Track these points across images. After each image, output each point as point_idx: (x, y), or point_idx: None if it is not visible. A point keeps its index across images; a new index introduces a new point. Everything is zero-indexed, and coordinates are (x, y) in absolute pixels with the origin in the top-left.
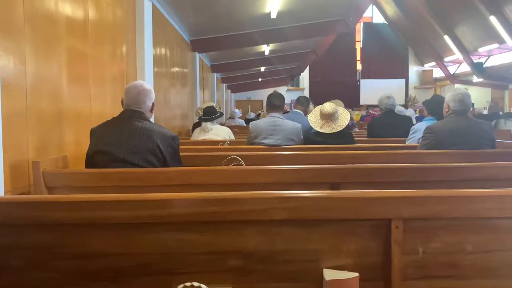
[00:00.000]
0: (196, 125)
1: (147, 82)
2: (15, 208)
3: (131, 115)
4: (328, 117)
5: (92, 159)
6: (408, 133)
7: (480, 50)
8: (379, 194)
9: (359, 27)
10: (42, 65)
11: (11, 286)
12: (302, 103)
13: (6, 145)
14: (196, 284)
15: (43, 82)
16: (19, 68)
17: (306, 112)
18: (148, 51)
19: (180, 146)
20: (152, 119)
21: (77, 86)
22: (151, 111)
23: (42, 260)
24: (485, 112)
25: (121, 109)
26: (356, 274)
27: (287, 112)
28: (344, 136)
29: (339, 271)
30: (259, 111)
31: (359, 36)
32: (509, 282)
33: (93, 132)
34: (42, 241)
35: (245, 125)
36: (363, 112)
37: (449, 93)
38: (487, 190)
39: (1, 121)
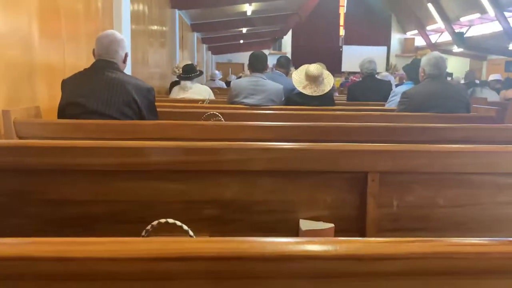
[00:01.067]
0: (174, 83)
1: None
2: None
3: (103, 65)
4: (313, 79)
5: (63, 111)
6: (388, 97)
7: (462, 19)
8: (357, 147)
9: None
10: (11, 13)
11: None
12: (283, 65)
13: None
14: (170, 220)
15: (12, 31)
16: None
17: (287, 74)
18: (125, 6)
19: (159, 104)
20: (128, 71)
21: (49, 38)
22: (124, 61)
23: (16, 206)
24: (462, 81)
25: None
26: (332, 225)
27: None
28: (325, 98)
29: (315, 221)
30: (240, 74)
31: (343, 1)
32: (479, 235)
33: (64, 84)
34: (15, 187)
35: (225, 87)
36: (343, 79)
37: (424, 57)
38: (462, 146)
39: None
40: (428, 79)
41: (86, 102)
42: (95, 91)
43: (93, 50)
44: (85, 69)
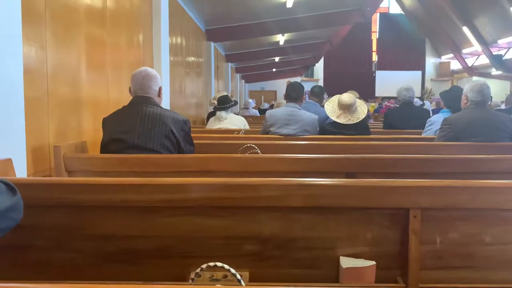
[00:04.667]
0: (211, 114)
1: (163, 70)
2: (38, 189)
3: (140, 101)
4: (346, 108)
5: (106, 148)
6: (425, 125)
7: (500, 41)
8: (398, 183)
9: (376, 17)
10: (62, 51)
11: (35, 264)
12: (317, 94)
13: (28, 129)
14: (219, 264)
15: (62, 68)
16: (40, 55)
17: (320, 103)
18: (164, 39)
19: (196, 135)
20: (167, 105)
21: (95, 73)
22: (159, 95)
23: (64, 241)
24: (503, 106)
25: None
26: (373, 262)
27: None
28: (360, 127)
29: (356, 259)
30: (273, 102)
31: (375, 27)
32: None
33: (105, 122)
34: (64, 223)
35: (259, 115)
36: (377, 104)
37: (468, 84)
38: (507, 181)
39: (23, 106)
40: (471, 106)
41: (127, 138)
42: (135, 126)
43: (129, 88)
44: (123, 107)
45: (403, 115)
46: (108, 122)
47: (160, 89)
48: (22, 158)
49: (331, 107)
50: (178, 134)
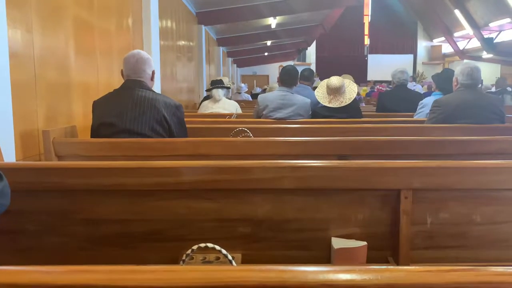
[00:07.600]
0: (206, 99)
1: (153, 55)
2: (28, 174)
3: (132, 85)
4: (336, 91)
5: (97, 132)
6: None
7: (491, 25)
8: (389, 165)
9: (368, 0)
10: (49, 35)
11: (27, 249)
12: (307, 78)
13: (16, 114)
14: (210, 245)
15: (50, 52)
16: (26, 38)
17: (311, 85)
18: (154, 23)
19: (188, 119)
20: (158, 91)
21: (84, 57)
22: (151, 79)
23: (56, 225)
24: (493, 89)
25: None
26: (364, 243)
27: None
28: (352, 109)
29: (347, 239)
30: (265, 86)
31: (368, 10)
32: None
33: (96, 105)
34: (55, 207)
35: (251, 99)
36: (369, 88)
37: (458, 67)
38: (497, 161)
39: (10, 90)
40: (461, 88)
41: (118, 122)
42: (126, 111)
43: (121, 71)
44: (115, 90)
45: (397, 97)
46: (98, 106)
47: (153, 72)
48: (10, 144)
49: (321, 93)
50: (170, 119)
